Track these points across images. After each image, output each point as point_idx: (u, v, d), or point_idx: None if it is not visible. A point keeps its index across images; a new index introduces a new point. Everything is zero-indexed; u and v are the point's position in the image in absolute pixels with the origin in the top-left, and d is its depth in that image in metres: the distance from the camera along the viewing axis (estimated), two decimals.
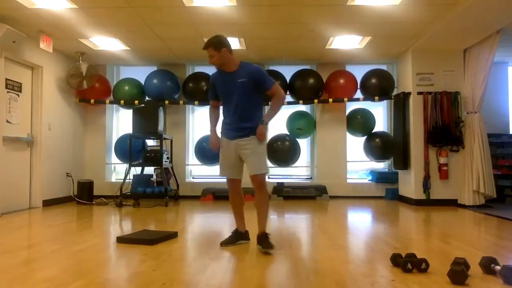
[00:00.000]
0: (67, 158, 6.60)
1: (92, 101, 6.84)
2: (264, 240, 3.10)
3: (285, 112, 7.09)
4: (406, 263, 2.46)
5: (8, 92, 5.30)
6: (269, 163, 7.09)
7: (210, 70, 6.93)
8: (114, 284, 2.29)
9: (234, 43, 5.96)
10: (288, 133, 7.01)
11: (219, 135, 3.35)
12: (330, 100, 6.71)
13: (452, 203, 5.96)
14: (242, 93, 3.12)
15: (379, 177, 7.07)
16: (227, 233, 3.90)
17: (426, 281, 2.30)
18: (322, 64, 7.10)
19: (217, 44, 3.10)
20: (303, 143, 7.28)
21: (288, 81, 6.83)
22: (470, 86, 5.91)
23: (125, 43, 5.99)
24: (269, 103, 3.30)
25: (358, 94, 6.86)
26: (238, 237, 3.30)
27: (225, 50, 3.13)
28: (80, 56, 6.42)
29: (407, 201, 6.34)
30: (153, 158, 6.09)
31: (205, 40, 5.71)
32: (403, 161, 6.30)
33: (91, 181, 6.46)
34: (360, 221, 4.80)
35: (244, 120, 3.14)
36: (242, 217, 3.37)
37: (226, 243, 3.22)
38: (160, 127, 6.22)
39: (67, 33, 5.50)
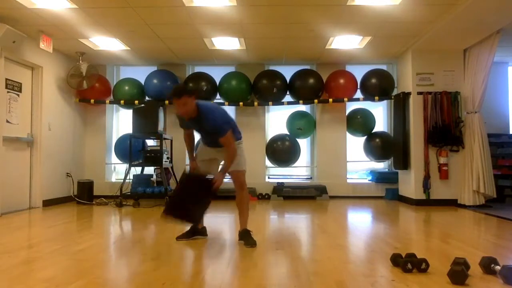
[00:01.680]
0: (67, 158, 6.60)
1: (92, 101, 6.84)
2: (246, 236, 3.27)
3: (285, 112, 7.10)
4: (406, 263, 2.46)
5: (8, 92, 5.30)
6: (269, 163, 7.11)
7: (210, 70, 7.02)
8: (114, 284, 2.29)
9: (234, 43, 5.97)
10: (288, 133, 7.01)
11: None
12: (330, 100, 6.72)
13: (452, 203, 5.96)
14: (210, 132, 3.23)
15: (379, 177, 7.07)
16: (227, 233, 3.90)
17: (426, 281, 2.30)
18: (322, 64, 7.10)
19: (189, 91, 3.13)
20: (303, 143, 7.28)
21: (288, 81, 6.83)
22: (470, 86, 5.91)
23: (125, 43, 5.99)
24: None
25: (358, 94, 6.86)
26: (195, 232, 3.49)
27: (193, 97, 3.11)
28: (80, 56, 6.42)
29: (407, 201, 6.34)
30: (153, 158, 6.09)
31: (205, 40, 5.79)
32: (403, 161, 6.30)
33: (91, 181, 6.46)
34: (360, 221, 4.80)
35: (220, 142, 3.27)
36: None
37: (181, 237, 3.42)
38: (160, 127, 6.22)
39: (67, 33, 5.50)
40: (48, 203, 5.96)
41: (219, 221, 4.65)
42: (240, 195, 3.42)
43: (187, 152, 3.47)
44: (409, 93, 6.24)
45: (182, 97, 3.03)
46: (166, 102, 6.75)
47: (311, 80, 6.70)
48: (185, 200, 3.16)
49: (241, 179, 3.38)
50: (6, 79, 5.24)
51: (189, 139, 3.46)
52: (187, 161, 7.33)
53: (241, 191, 3.39)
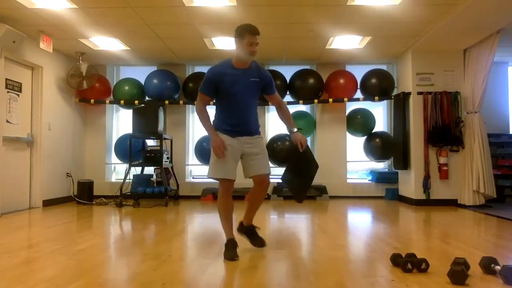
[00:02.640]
0: (67, 158, 6.60)
1: (92, 101, 6.84)
2: (255, 234, 3.16)
3: None
4: (406, 263, 2.46)
5: (8, 92, 5.30)
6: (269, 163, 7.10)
7: None
8: (114, 284, 2.29)
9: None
10: (288, 133, 6.99)
11: None
12: (330, 100, 6.71)
13: (452, 203, 5.96)
14: (250, 93, 2.92)
15: (379, 177, 7.07)
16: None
17: (426, 281, 2.30)
18: (322, 64, 7.10)
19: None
20: None
21: (288, 81, 6.83)
22: (470, 86, 5.91)
23: (125, 43, 5.99)
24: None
25: (358, 94, 6.86)
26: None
27: None
28: (80, 56, 6.42)
29: (407, 201, 6.34)
30: (153, 158, 6.10)
31: (205, 40, 5.78)
32: (403, 161, 6.30)
33: (91, 181, 6.47)
34: (360, 221, 4.80)
35: (251, 120, 2.97)
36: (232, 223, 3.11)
37: (233, 258, 2.78)
38: (160, 127, 6.23)
39: (67, 33, 5.50)
40: (48, 203, 5.96)
41: (219, 221, 4.64)
42: (262, 195, 3.07)
43: (205, 126, 2.91)
44: (409, 93, 6.24)
45: (258, 35, 2.80)
46: (166, 102, 6.75)
47: (311, 80, 6.70)
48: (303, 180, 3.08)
49: (269, 182, 3.05)
50: (6, 79, 5.24)
51: (206, 111, 2.94)
52: (187, 161, 7.37)
53: (265, 191, 3.07)
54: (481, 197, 5.74)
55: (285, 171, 3.08)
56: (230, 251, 2.82)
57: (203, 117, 2.92)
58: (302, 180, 3.10)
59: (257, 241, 3.14)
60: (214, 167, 2.91)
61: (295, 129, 3.00)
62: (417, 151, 6.11)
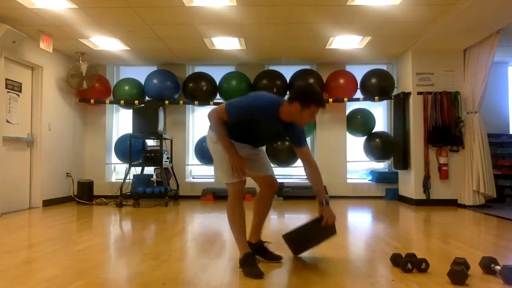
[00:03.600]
0: (67, 158, 6.60)
1: (92, 101, 6.84)
2: (267, 251, 2.81)
3: None
4: (406, 263, 2.46)
5: (8, 92, 5.30)
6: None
7: (210, 70, 7.01)
8: (114, 284, 2.29)
9: (234, 43, 5.97)
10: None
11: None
12: (330, 100, 6.71)
13: (452, 203, 5.97)
14: (271, 137, 2.77)
15: (379, 177, 7.07)
16: (227, 233, 3.88)
17: (426, 281, 2.30)
18: (322, 64, 7.10)
19: None
20: None
21: (288, 81, 6.83)
22: (470, 86, 5.91)
23: (125, 43, 5.99)
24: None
25: (358, 94, 6.85)
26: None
27: None
28: (80, 56, 6.42)
29: (407, 201, 6.34)
30: (153, 158, 6.10)
31: (205, 40, 5.78)
32: (403, 161, 6.30)
33: (91, 181, 6.47)
34: (360, 221, 4.79)
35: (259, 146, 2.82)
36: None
37: (259, 275, 2.41)
38: (160, 127, 6.22)
39: (67, 33, 5.50)
40: (48, 203, 5.96)
41: (219, 221, 4.65)
42: (271, 201, 2.88)
43: (224, 142, 2.54)
44: (409, 93, 6.24)
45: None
46: (166, 102, 6.75)
47: (311, 80, 6.69)
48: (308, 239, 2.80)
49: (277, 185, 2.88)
50: (6, 79, 5.24)
51: (224, 126, 2.55)
52: (187, 161, 7.37)
53: (272, 197, 2.88)
54: (481, 197, 5.74)
55: (293, 232, 2.80)
56: (254, 268, 2.45)
57: (222, 132, 2.53)
58: (309, 244, 2.87)
59: (273, 256, 2.78)
60: (227, 172, 2.59)
61: (325, 202, 2.63)
62: (417, 151, 6.11)
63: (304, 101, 2.40)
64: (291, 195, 6.81)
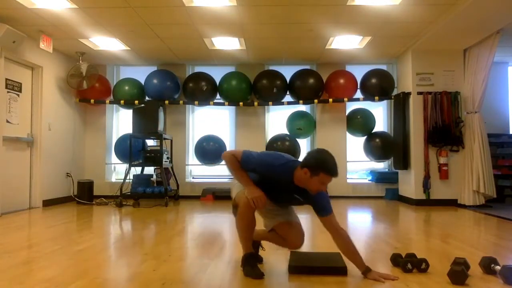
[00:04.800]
0: (67, 158, 6.61)
1: (92, 101, 6.84)
2: (257, 252, 2.74)
3: (285, 112, 7.10)
4: (406, 263, 2.46)
5: (8, 92, 5.30)
6: None
7: (210, 70, 7.02)
8: (114, 284, 2.29)
9: (234, 43, 5.97)
10: (288, 133, 7.01)
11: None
12: (330, 100, 6.72)
13: (452, 203, 5.97)
14: (291, 202, 2.57)
15: (379, 177, 7.07)
16: (227, 233, 3.89)
17: (426, 281, 2.30)
18: (322, 64, 7.10)
19: None
20: (303, 143, 7.28)
21: (288, 81, 6.83)
22: (470, 86, 5.91)
23: (125, 43, 5.99)
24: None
25: (358, 94, 6.86)
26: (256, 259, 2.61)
27: None
28: (80, 56, 6.42)
29: (407, 201, 6.34)
30: (153, 158, 6.10)
31: (205, 40, 5.78)
32: (403, 161, 6.30)
33: (91, 181, 6.47)
34: (360, 221, 4.79)
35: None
36: None
37: (259, 275, 2.39)
38: (160, 127, 6.22)
39: (67, 33, 5.50)
40: (48, 203, 5.96)
41: (219, 221, 4.65)
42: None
43: (241, 180, 2.41)
44: (409, 93, 6.24)
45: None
46: (166, 102, 6.75)
47: (311, 80, 6.70)
48: None
49: None
50: (6, 79, 5.24)
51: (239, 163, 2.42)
52: (187, 161, 7.37)
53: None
54: (481, 197, 5.75)
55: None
56: (254, 269, 2.41)
57: (237, 166, 2.40)
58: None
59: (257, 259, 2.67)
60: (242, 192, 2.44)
61: (367, 270, 2.37)
62: (417, 151, 6.11)
63: (313, 168, 2.26)
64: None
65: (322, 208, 2.40)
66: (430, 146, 6.07)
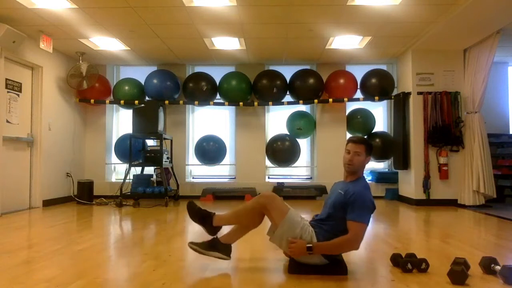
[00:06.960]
0: (67, 158, 6.60)
1: (92, 101, 6.84)
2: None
3: (285, 112, 7.10)
4: (406, 263, 2.46)
5: (8, 92, 5.30)
6: (269, 163, 7.10)
7: (210, 70, 7.02)
8: (114, 284, 2.29)
9: (234, 43, 5.97)
10: (288, 133, 7.01)
11: None
12: (330, 100, 6.72)
13: (452, 203, 5.97)
14: (332, 203, 2.51)
15: (379, 177, 7.07)
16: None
17: (426, 281, 2.30)
18: (322, 64, 7.10)
19: (371, 149, 2.56)
20: (303, 143, 7.28)
21: (288, 81, 6.83)
22: (470, 86, 5.91)
23: (125, 43, 5.99)
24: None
25: (358, 94, 6.86)
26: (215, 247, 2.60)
27: (369, 159, 2.58)
28: (80, 56, 6.42)
29: (407, 201, 6.34)
30: (153, 158, 6.09)
31: (205, 40, 5.78)
32: (403, 161, 6.30)
33: (91, 181, 6.46)
34: None
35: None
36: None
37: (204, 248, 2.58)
38: (160, 127, 6.22)
39: (67, 33, 5.50)
40: (48, 203, 5.96)
41: None
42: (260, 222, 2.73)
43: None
44: (409, 93, 6.24)
45: (360, 145, 2.51)
46: (166, 102, 6.75)
47: (311, 80, 6.70)
48: None
49: None
50: (6, 79, 5.24)
51: None
52: (187, 161, 7.36)
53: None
54: (481, 197, 5.74)
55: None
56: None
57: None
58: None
59: (214, 231, 2.66)
60: (283, 238, 2.48)
61: (312, 246, 2.39)
62: (417, 151, 6.11)
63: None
64: (291, 195, 6.81)
65: (351, 208, 2.36)
66: (430, 146, 6.07)
